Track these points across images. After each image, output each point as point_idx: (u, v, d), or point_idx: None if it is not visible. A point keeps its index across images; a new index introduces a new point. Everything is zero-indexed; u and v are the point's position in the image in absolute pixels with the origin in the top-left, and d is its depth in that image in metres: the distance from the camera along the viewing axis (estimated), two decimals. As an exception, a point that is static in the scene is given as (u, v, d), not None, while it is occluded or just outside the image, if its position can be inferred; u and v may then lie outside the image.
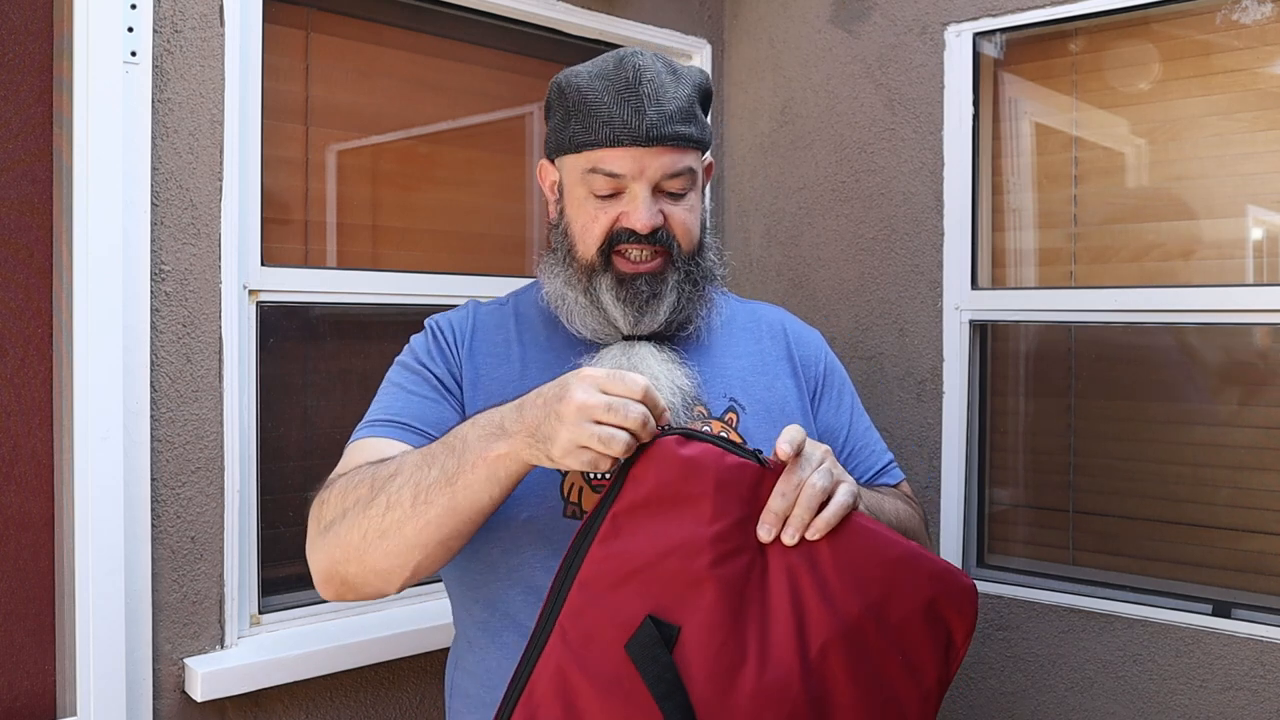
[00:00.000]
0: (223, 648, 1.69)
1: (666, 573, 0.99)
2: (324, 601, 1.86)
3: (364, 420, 1.28)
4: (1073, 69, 2.06)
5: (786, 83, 2.38)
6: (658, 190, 1.25)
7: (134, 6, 1.56)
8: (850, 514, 1.02)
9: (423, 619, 1.89)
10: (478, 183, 2.14)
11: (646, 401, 0.98)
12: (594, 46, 2.23)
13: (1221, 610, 1.83)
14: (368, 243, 1.99)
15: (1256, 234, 1.87)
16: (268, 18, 1.76)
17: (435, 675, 1.92)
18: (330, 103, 1.92)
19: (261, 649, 1.71)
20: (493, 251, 2.16)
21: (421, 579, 1.14)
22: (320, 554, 1.15)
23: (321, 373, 1.90)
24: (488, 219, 2.16)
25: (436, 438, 1.21)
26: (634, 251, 1.26)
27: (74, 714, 1.54)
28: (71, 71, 1.53)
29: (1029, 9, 2.02)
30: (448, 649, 1.90)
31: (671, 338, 1.32)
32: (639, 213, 1.24)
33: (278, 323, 1.83)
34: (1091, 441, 2.04)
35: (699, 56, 2.42)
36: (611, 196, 1.26)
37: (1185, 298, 1.86)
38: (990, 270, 2.15)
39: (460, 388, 1.31)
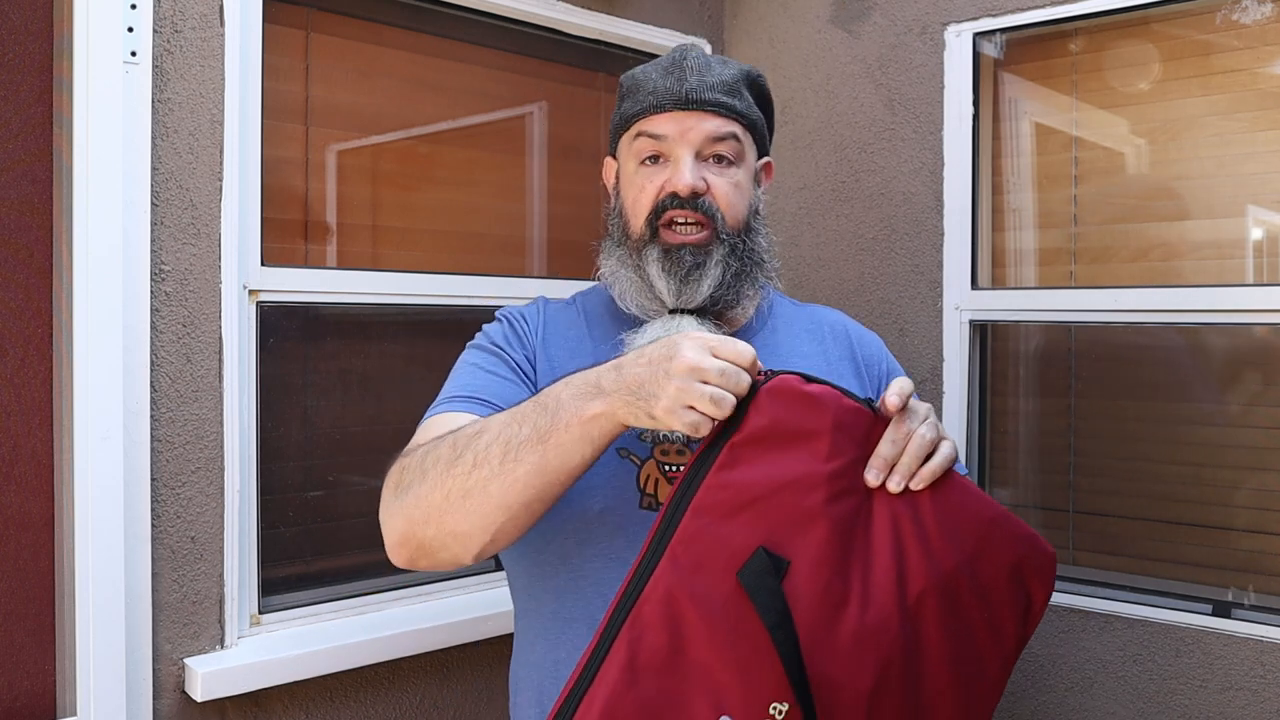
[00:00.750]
0: (223, 648, 1.69)
1: (781, 506, 0.99)
2: (324, 601, 1.86)
3: (438, 399, 1.26)
4: (1073, 69, 2.05)
5: (786, 83, 2.37)
6: (702, 158, 1.29)
7: (134, 6, 1.56)
8: (950, 469, 1.04)
9: (423, 619, 1.89)
10: (478, 183, 2.14)
11: (752, 371, 1.00)
12: (594, 46, 2.23)
13: (1221, 610, 1.83)
14: (368, 243, 1.99)
15: (1256, 234, 1.87)
16: (268, 18, 1.76)
17: (436, 675, 1.92)
18: (330, 103, 1.92)
19: (261, 649, 1.71)
20: (493, 251, 2.16)
21: (500, 548, 1.11)
22: (397, 517, 1.11)
23: (321, 373, 1.90)
24: (488, 219, 2.16)
25: None
26: (679, 221, 1.28)
27: (74, 714, 1.54)
28: (71, 71, 1.53)
29: (1029, 9, 2.02)
30: (448, 649, 1.92)
31: (722, 319, 1.32)
32: (681, 174, 1.27)
33: (278, 323, 1.83)
34: (1091, 441, 2.04)
35: (699, 56, 2.42)
36: (658, 164, 1.30)
37: (1185, 298, 1.86)
38: (990, 270, 2.15)
39: (535, 376, 1.31)
